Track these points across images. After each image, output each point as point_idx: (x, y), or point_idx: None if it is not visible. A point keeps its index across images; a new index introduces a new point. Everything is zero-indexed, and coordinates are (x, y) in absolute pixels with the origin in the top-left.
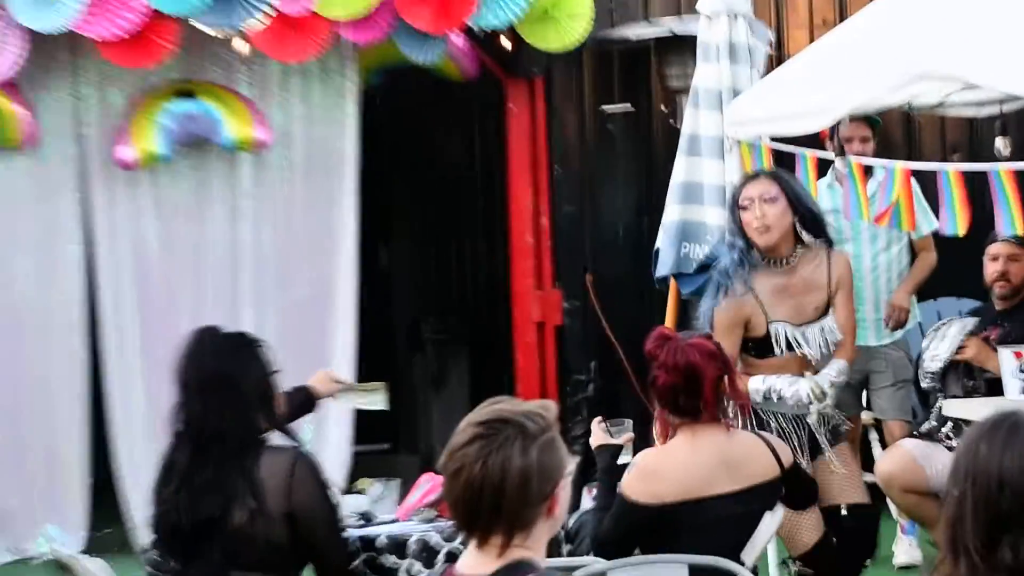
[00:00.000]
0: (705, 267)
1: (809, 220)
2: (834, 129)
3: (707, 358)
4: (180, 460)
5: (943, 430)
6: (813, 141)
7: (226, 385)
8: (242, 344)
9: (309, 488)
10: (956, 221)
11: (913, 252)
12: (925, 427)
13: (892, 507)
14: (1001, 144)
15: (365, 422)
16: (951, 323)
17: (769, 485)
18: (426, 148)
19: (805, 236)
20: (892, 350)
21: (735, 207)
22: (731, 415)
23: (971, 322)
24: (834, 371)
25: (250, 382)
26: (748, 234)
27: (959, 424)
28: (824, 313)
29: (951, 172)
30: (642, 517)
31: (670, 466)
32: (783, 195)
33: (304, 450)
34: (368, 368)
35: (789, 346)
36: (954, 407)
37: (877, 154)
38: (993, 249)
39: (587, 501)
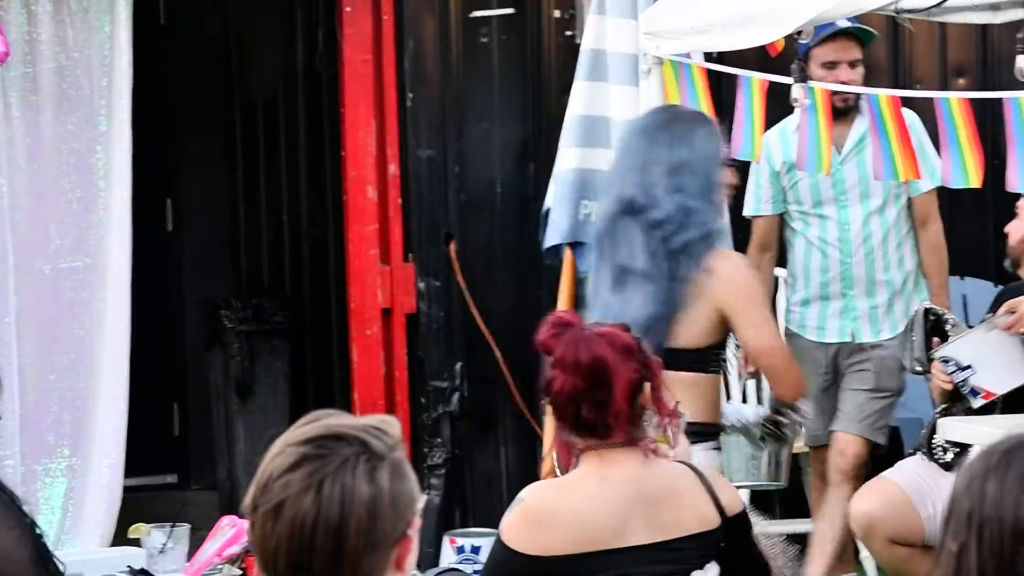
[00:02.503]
0: None
1: None
2: (796, 43)
3: (621, 353)
4: None
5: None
6: (762, 60)
7: None
8: None
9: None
10: (965, 169)
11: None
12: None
13: (869, 564)
14: None
15: (141, 444)
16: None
17: (703, 539)
18: (226, 68)
19: None
20: (883, 350)
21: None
22: (653, 436)
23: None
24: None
25: None
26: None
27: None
28: None
29: (954, 102)
30: (522, 572)
31: (565, 508)
32: None
33: None
34: (147, 370)
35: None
36: (953, 428)
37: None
38: None
39: (448, 553)
